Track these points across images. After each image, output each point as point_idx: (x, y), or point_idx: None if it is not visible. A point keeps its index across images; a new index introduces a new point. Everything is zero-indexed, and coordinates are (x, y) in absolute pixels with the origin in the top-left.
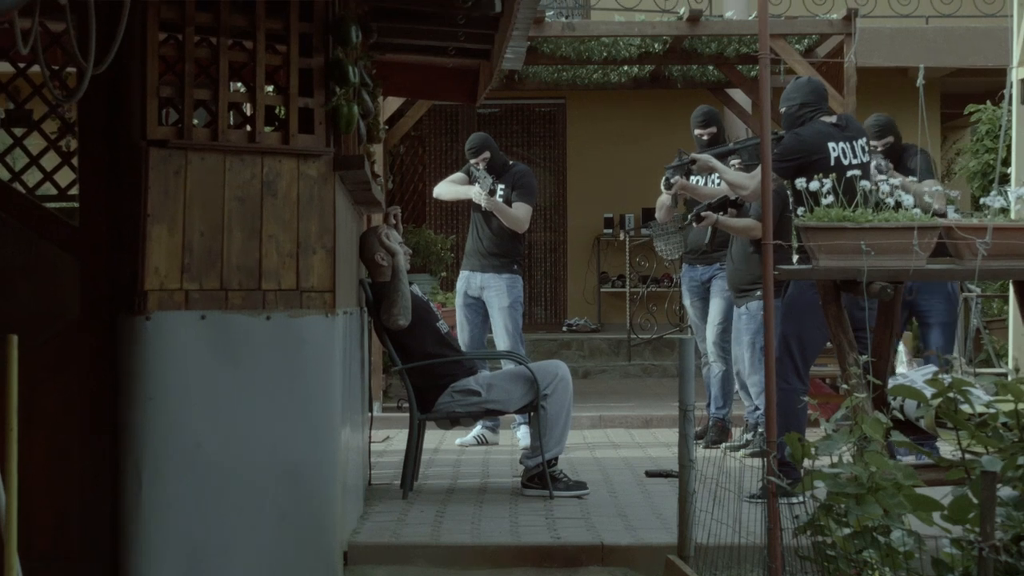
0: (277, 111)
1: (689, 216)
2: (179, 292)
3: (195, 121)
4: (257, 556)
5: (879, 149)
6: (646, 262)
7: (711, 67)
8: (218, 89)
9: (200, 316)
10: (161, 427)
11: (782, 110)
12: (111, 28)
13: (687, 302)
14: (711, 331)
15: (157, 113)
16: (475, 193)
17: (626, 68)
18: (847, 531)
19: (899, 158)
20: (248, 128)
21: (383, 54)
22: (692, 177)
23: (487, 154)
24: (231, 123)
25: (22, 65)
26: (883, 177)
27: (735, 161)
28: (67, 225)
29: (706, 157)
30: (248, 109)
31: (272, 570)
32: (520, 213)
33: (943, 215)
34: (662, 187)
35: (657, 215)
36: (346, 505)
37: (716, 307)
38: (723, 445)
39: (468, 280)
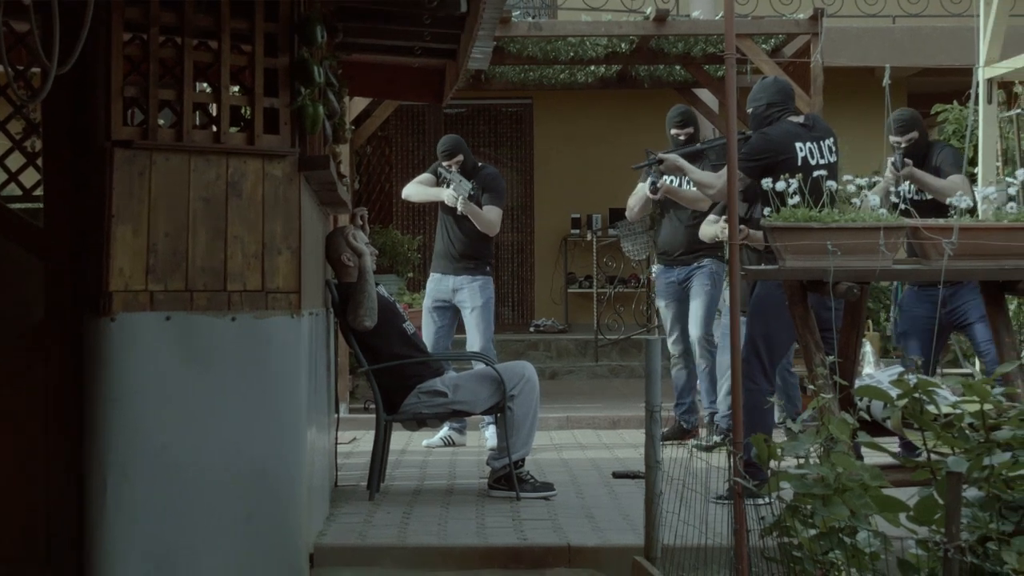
0: (242, 111)
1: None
2: (144, 293)
3: (160, 121)
4: (224, 557)
5: (903, 145)
6: (613, 262)
7: (678, 67)
8: (183, 89)
9: (165, 317)
10: (127, 429)
11: (749, 110)
12: (75, 28)
13: (661, 304)
14: (696, 328)
15: (122, 113)
16: (448, 196)
17: (593, 68)
18: (813, 532)
19: (925, 155)
20: (213, 128)
21: (349, 54)
22: (665, 177)
23: (460, 157)
24: (196, 123)
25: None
26: (891, 177)
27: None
28: (32, 226)
29: (673, 157)
30: (213, 109)
31: (239, 571)
32: (492, 216)
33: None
34: (647, 191)
35: (630, 213)
36: (312, 506)
37: (699, 304)
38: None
39: (439, 283)
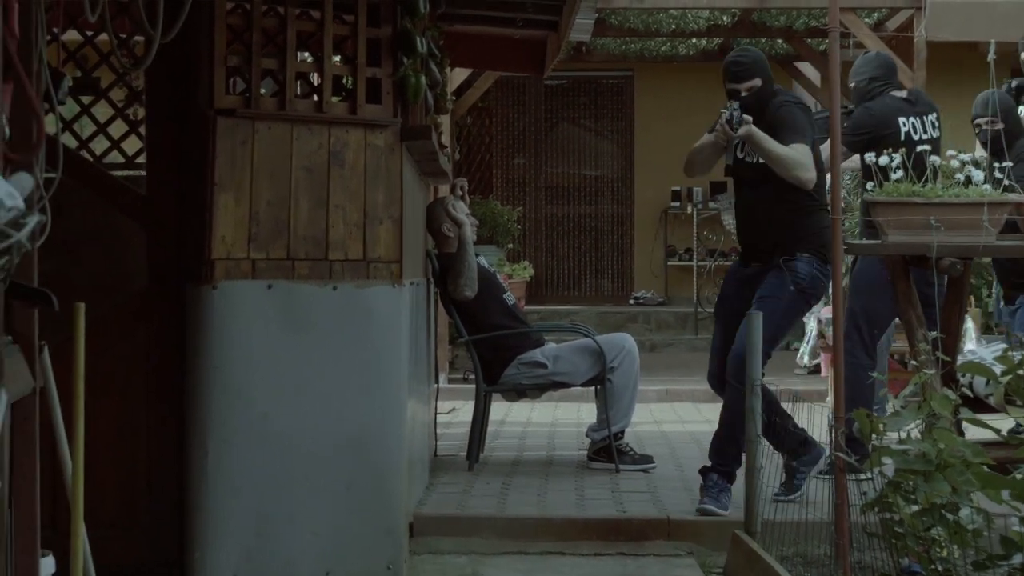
0: (344, 81)
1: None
2: (246, 261)
3: (262, 91)
4: (323, 526)
5: (743, 95)
6: (713, 236)
7: (780, 40)
8: (285, 59)
9: (267, 286)
10: (228, 397)
11: (851, 85)
12: None
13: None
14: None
15: (224, 82)
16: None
17: (694, 41)
18: (915, 508)
19: (764, 109)
20: (315, 98)
21: (451, 24)
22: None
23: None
24: (298, 93)
25: (90, 33)
26: (719, 135)
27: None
28: (135, 194)
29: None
30: (315, 79)
31: (337, 540)
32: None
33: None
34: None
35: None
36: (412, 476)
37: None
38: None
39: None
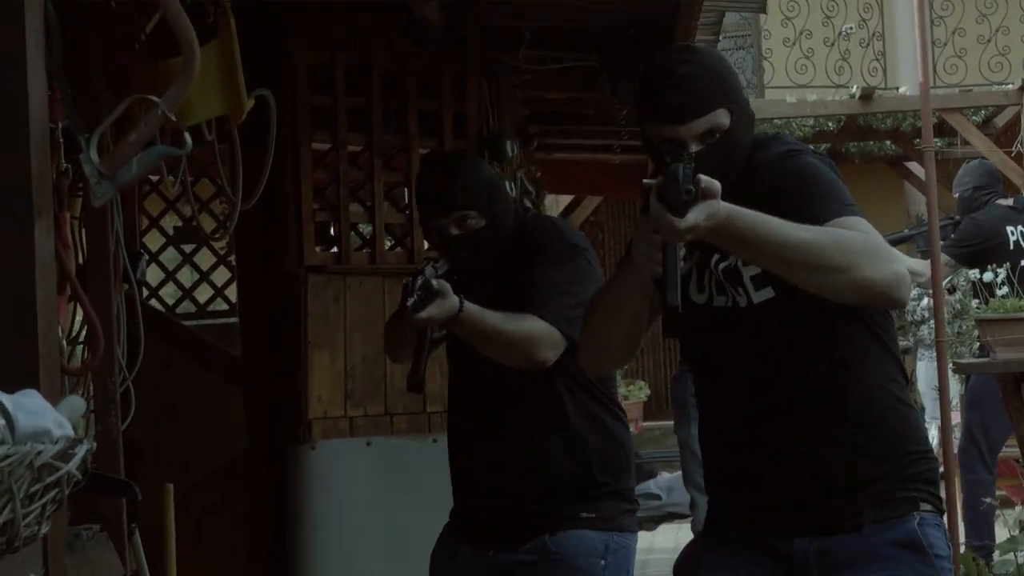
0: None
1: None
2: (343, 419)
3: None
4: None
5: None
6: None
7: (888, 142)
8: (374, 211)
9: (366, 443)
10: (333, 557)
11: (955, 195)
12: (260, 155)
13: None
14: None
15: (314, 238)
16: None
17: None
18: None
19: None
20: (404, 248)
21: (549, 154)
22: None
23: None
24: (388, 245)
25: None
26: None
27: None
28: (230, 356)
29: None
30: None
31: None
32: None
33: None
34: None
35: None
36: None
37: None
38: None
39: None
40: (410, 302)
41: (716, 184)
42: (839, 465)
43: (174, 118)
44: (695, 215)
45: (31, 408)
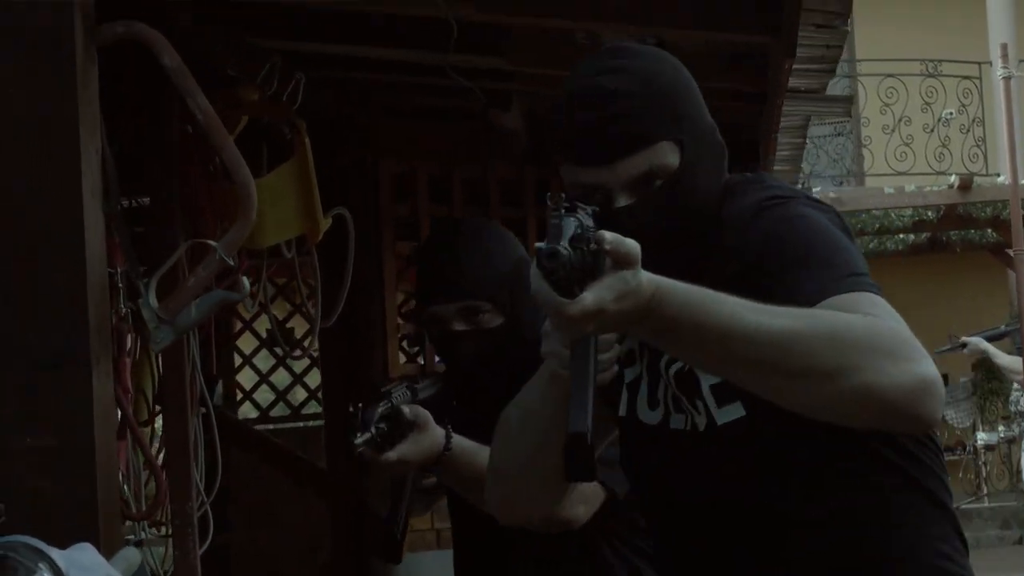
0: None
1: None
2: (430, 532)
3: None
4: None
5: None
6: (937, 429)
7: (990, 230)
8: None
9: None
10: None
11: None
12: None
13: None
14: None
15: (398, 353)
16: None
17: (901, 236)
18: None
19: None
20: None
21: None
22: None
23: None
24: None
25: (281, 282)
26: None
27: None
28: (317, 469)
29: (976, 340)
30: None
31: None
32: None
33: None
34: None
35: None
36: None
37: None
38: None
39: None
40: (359, 438)
41: (631, 246)
42: None
43: (232, 263)
44: (595, 295)
45: (84, 564)
